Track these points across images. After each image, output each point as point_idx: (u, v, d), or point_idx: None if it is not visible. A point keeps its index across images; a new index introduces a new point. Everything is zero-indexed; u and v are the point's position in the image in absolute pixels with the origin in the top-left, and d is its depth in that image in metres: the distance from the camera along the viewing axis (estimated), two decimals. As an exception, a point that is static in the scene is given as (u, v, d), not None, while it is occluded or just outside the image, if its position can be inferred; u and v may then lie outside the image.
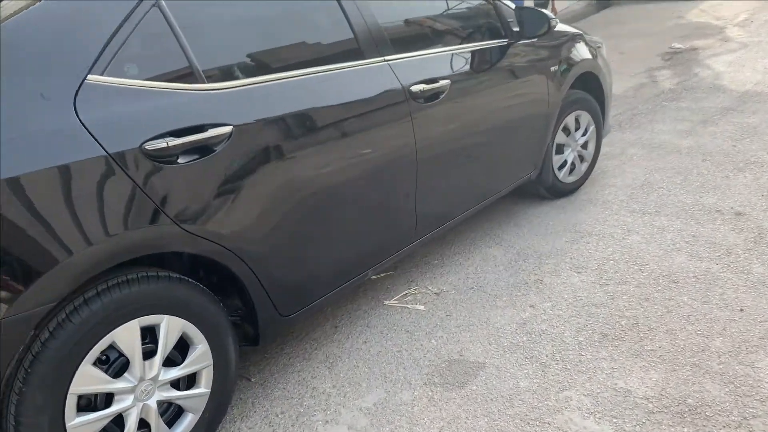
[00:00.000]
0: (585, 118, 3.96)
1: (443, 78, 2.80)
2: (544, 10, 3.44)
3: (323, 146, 2.31)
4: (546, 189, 3.96)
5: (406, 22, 2.91)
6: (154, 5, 1.95)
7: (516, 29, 3.26)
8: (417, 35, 2.93)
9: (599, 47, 4.14)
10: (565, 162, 3.97)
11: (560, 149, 3.92)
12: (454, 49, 2.98)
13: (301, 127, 2.23)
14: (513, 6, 3.41)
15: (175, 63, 1.96)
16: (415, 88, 2.65)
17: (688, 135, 4.95)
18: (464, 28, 3.21)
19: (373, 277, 3.26)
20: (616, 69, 6.27)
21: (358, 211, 2.51)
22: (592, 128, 4.05)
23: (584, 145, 4.09)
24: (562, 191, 4.05)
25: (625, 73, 7.10)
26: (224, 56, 2.14)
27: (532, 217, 3.88)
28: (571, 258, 3.31)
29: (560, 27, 3.77)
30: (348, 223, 2.49)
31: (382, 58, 2.58)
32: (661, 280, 2.96)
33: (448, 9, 3.15)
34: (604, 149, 4.77)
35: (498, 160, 3.28)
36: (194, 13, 2.07)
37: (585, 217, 3.77)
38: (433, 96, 2.75)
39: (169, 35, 1.96)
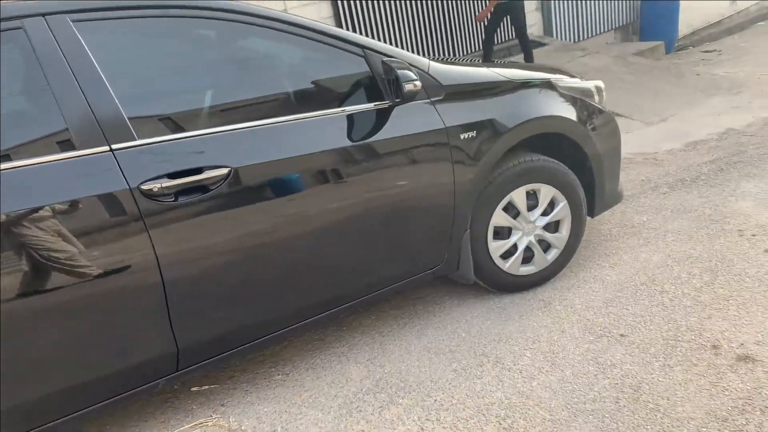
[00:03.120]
0: (547, 192, 2.89)
1: (220, 166, 2.07)
2: (422, 60, 2.53)
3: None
4: (486, 284, 2.96)
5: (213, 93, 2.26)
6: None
7: (410, 87, 2.37)
8: (210, 107, 2.25)
9: (588, 94, 3.02)
10: (514, 248, 2.93)
11: (505, 233, 2.89)
12: (270, 123, 2.23)
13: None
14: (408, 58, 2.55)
15: None
16: (148, 185, 1.97)
17: None
18: (302, 92, 2.44)
19: (193, 389, 2.61)
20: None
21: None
22: (562, 205, 2.94)
23: (552, 227, 2.99)
24: (512, 285, 3.00)
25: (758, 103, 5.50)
26: None
27: (445, 321, 2.90)
28: (435, 401, 2.34)
29: (505, 73, 2.79)
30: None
31: (106, 148, 1.95)
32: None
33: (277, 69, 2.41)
34: (636, 217, 3.55)
35: (332, 265, 2.43)
36: None
37: (511, 333, 2.71)
38: (191, 190, 2.05)
39: None
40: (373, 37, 6.99)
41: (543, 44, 7.73)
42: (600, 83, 3.12)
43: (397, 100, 2.35)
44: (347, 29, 6.79)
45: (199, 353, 2.22)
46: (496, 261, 2.88)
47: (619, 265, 3.16)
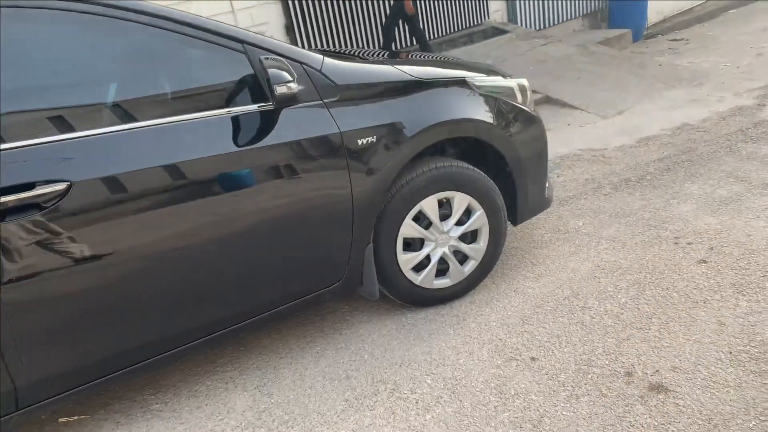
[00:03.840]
0: (461, 200, 2.66)
1: (56, 181, 1.81)
2: (303, 53, 2.28)
3: None
4: (398, 298, 2.74)
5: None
6: None
7: (283, 90, 2.11)
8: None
9: (509, 94, 2.78)
10: (427, 260, 2.70)
11: (416, 244, 2.66)
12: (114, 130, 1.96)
13: None
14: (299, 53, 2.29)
15: None
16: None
17: (721, 207, 3.30)
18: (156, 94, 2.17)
19: (61, 420, 2.36)
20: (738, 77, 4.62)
21: None
22: (479, 214, 2.71)
23: (469, 237, 2.76)
24: (426, 299, 2.79)
25: (732, 89, 5.30)
26: None
27: (350, 340, 2.68)
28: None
29: (413, 71, 2.56)
30: None
31: None
32: None
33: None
34: (572, 221, 3.34)
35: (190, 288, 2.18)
36: None
37: (415, 355, 2.51)
38: (21, 209, 1.78)
39: None
40: (326, 37, 6.71)
41: (504, 32, 7.48)
42: (524, 81, 2.88)
43: (269, 104, 2.09)
44: (299, 30, 6.49)
45: (46, 389, 1.97)
46: (407, 274, 2.66)
47: (544, 276, 2.94)
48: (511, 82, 2.80)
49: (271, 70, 2.01)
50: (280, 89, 2.01)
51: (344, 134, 2.29)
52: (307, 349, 2.62)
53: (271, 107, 2.15)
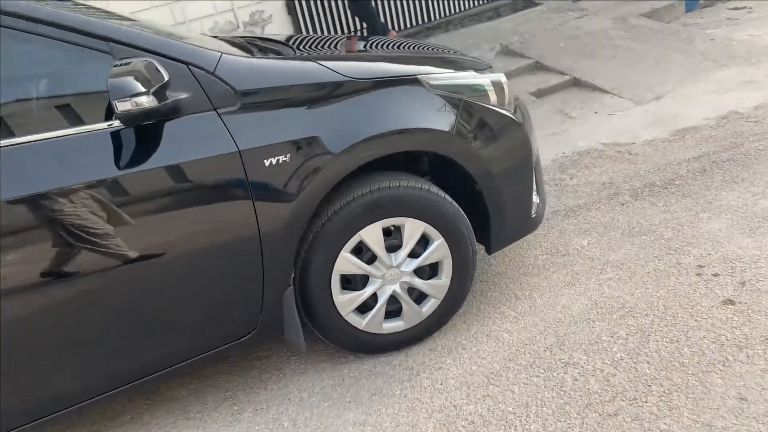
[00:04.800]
0: (413, 228, 2.13)
1: None
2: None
3: None
4: (339, 345, 2.26)
5: None
6: None
7: (125, 107, 1.64)
8: None
9: (478, 94, 2.22)
10: (374, 301, 2.19)
11: (358, 282, 2.20)
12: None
13: None
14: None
15: None
16: None
17: (763, 226, 2.67)
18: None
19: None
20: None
21: None
22: (438, 244, 2.18)
23: (428, 272, 2.24)
24: (375, 346, 2.30)
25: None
26: None
27: (274, 398, 2.23)
28: None
29: (346, 69, 2.05)
30: None
31: None
32: None
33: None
34: (575, 240, 2.77)
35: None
36: None
37: (345, 426, 2.05)
38: None
39: None
40: (330, 17, 6.11)
41: (536, 4, 6.74)
42: (500, 77, 2.30)
43: (111, 123, 1.61)
44: (301, 10, 5.95)
45: None
46: (348, 318, 2.16)
47: (527, 314, 2.39)
48: (483, 80, 2.23)
49: (112, 81, 1.52)
50: (122, 105, 1.52)
51: (244, 153, 1.79)
52: (223, 408, 2.16)
53: (121, 127, 1.66)
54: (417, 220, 2.13)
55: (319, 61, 2.00)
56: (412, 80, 2.09)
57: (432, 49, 2.66)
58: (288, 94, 1.90)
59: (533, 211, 2.47)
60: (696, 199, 3.09)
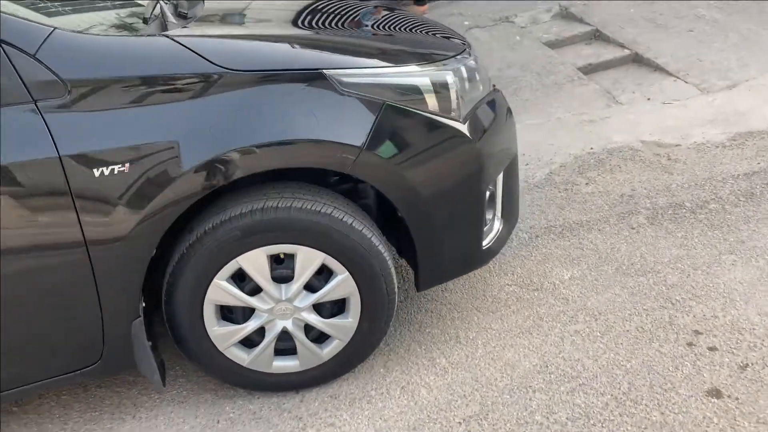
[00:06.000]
0: (308, 259, 1.74)
1: None
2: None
3: None
4: (223, 380, 1.93)
5: None
6: None
7: None
8: None
9: (410, 96, 1.75)
10: (261, 336, 1.84)
11: (241, 314, 1.84)
12: None
13: None
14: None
15: None
16: None
17: None
18: None
19: None
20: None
21: None
22: (341, 278, 1.77)
23: (332, 308, 1.85)
24: (264, 384, 1.97)
25: None
26: None
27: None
28: None
29: (228, 52, 1.69)
30: None
31: None
32: None
33: None
34: (555, 271, 2.30)
35: None
36: None
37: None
38: None
39: None
40: None
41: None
42: (445, 76, 1.80)
43: None
44: None
45: None
46: (227, 352, 1.81)
47: (460, 367, 1.97)
48: (419, 79, 1.73)
49: None
50: None
51: (67, 160, 1.41)
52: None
53: None
54: (312, 250, 1.71)
55: (189, 46, 1.56)
56: (316, 75, 1.62)
57: (411, 29, 2.15)
58: (135, 86, 1.49)
59: (486, 242, 1.98)
60: (725, 234, 2.47)
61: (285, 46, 1.75)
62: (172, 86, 1.54)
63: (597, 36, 4.67)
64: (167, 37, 1.60)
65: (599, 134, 3.50)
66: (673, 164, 3.11)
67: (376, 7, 2.29)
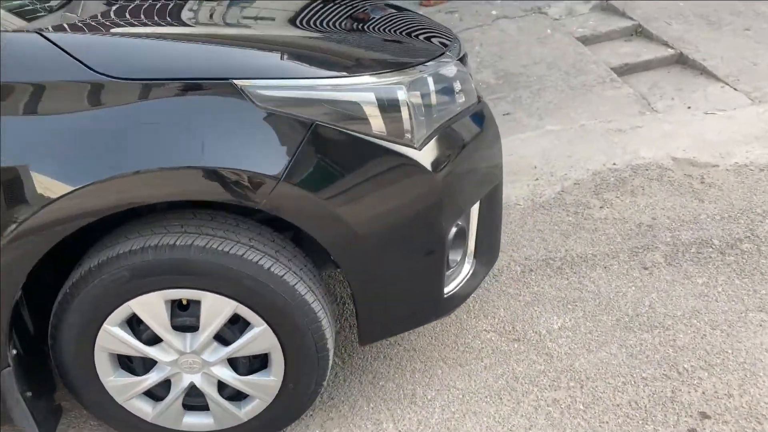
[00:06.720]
0: (216, 307, 1.44)
1: None
2: None
3: None
4: None
5: None
6: None
7: None
8: None
9: (351, 116, 1.43)
10: (167, 390, 1.56)
11: (142, 365, 1.59)
12: None
13: None
14: None
15: None
16: None
17: None
18: None
19: None
20: None
21: None
22: (258, 331, 1.47)
23: (253, 363, 1.56)
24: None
25: None
26: None
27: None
28: None
29: (102, 54, 1.37)
30: None
31: None
32: None
33: None
34: (543, 317, 1.98)
35: None
36: None
37: None
38: None
39: None
40: None
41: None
42: (397, 92, 1.43)
43: None
44: None
45: None
46: (127, 405, 1.53)
47: (404, 438, 1.62)
48: (362, 95, 1.38)
49: None
50: None
51: None
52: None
53: None
54: (220, 296, 1.40)
55: (63, 47, 1.26)
56: (223, 86, 1.29)
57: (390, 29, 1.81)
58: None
59: (450, 288, 1.64)
60: (756, 285, 2.05)
61: (190, 48, 1.42)
62: (36, 96, 1.23)
63: (639, 32, 4.19)
64: (39, 34, 1.29)
65: (626, 147, 3.07)
66: (706, 189, 2.67)
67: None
